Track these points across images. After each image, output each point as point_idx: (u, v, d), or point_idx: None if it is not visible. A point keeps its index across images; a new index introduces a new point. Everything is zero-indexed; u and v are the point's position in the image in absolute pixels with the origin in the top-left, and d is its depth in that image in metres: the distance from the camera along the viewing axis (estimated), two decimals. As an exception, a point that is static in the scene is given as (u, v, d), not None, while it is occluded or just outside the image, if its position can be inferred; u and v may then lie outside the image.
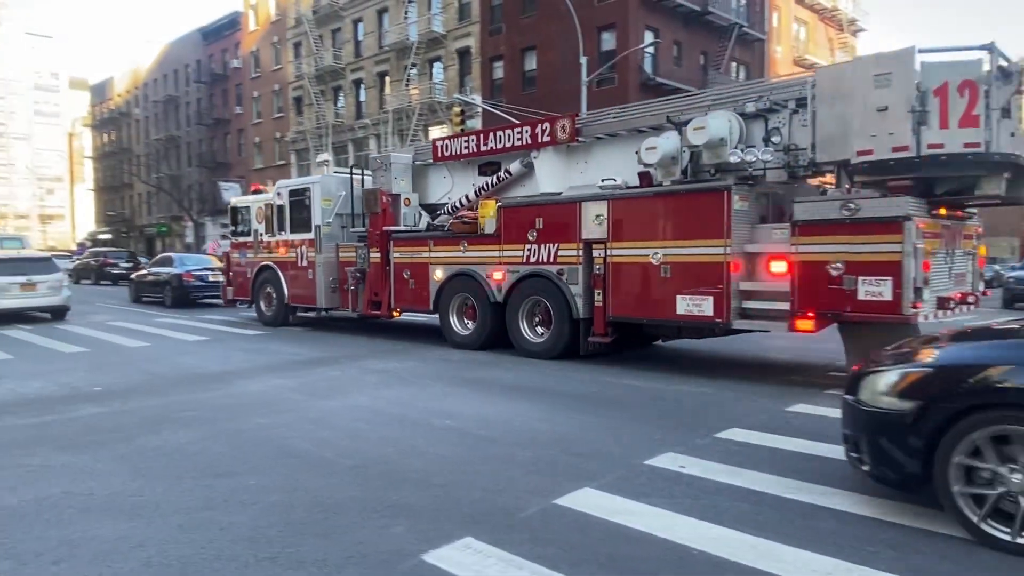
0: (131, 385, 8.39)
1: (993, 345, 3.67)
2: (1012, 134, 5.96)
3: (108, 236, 68.61)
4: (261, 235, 13.94)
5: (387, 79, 38.04)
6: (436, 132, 35.40)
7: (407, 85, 36.53)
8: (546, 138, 9.71)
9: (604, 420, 6.35)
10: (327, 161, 13.94)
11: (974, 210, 6.95)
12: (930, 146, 5.86)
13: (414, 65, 36.26)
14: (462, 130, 22.84)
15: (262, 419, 6.59)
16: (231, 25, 51.12)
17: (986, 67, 5.69)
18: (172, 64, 57.26)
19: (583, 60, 23.47)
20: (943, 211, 6.48)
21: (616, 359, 9.42)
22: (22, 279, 15.09)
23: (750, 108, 7.47)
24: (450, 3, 34.59)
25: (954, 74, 5.76)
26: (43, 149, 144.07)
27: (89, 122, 75.90)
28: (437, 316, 10.63)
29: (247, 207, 14.44)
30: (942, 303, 6.43)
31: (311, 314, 14.75)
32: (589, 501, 4.35)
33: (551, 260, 8.89)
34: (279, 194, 13.49)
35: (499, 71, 32.61)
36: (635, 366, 8.91)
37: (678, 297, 7.55)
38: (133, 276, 21.73)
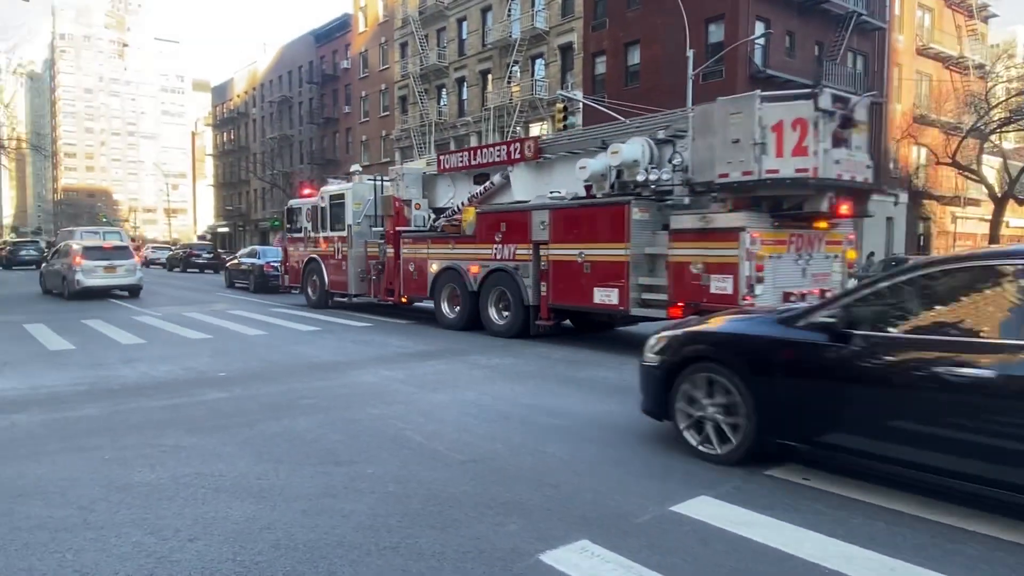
0: (252, 372, 8.82)
1: (729, 320, 4.96)
2: (868, 165, 7.94)
3: (226, 229, 72.92)
4: (309, 232, 16.75)
5: (489, 77, 38.42)
6: (536, 129, 35.44)
7: (509, 82, 36.76)
8: (517, 155, 11.90)
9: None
10: (359, 170, 16.13)
11: (842, 220, 8.49)
12: (768, 171, 7.55)
13: (516, 62, 36.44)
14: (564, 127, 22.75)
15: (374, 409, 6.76)
16: (342, 27, 53.06)
17: (815, 108, 7.33)
18: (286, 66, 60.06)
19: (689, 53, 22.90)
20: (820, 224, 8.20)
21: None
22: (105, 263, 19.39)
23: (660, 135, 9.31)
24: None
25: (788, 113, 7.44)
26: (169, 147, 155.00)
27: (210, 122, 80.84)
28: (432, 302, 12.94)
29: (299, 208, 17.24)
30: (786, 296, 7.83)
31: (344, 299, 17.14)
32: (707, 510, 4.21)
33: (511, 257, 11.01)
34: (322, 198, 16.23)
35: (601, 66, 32.29)
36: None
37: (595, 288, 9.49)
38: (228, 264, 25.07)
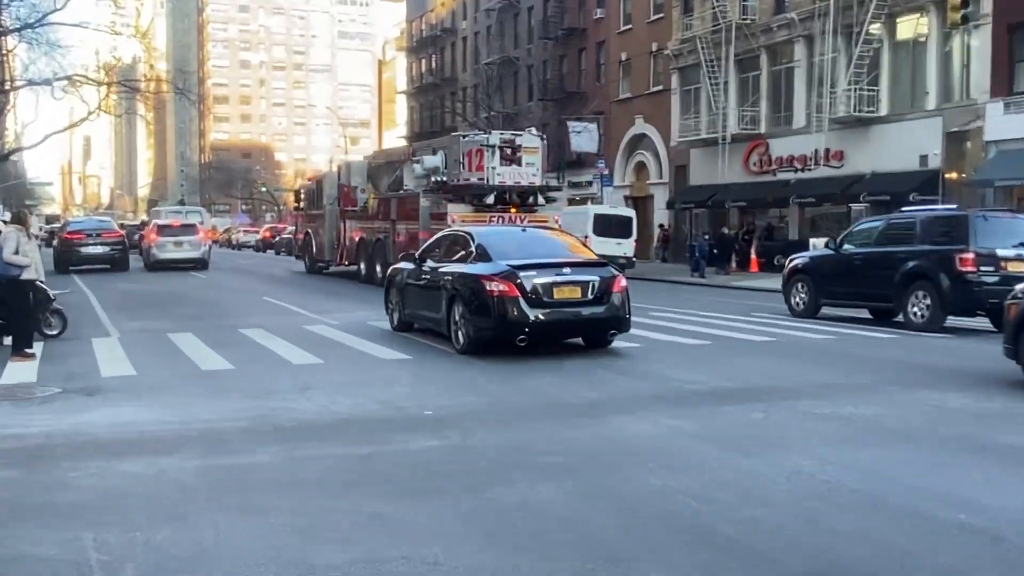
0: (468, 409, 9.32)
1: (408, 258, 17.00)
2: (534, 174, 27.00)
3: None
4: (305, 209, 34.72)
5: (825, -53, 37.13)
6: (907, 28, 33.65)
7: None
8: (404, 157, 29.75)
9: None
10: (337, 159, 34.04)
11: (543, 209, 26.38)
12: (463, 179, 26.10)
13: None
14: (962, 19, 21.50)
15: (655, 478, 6.75)
16: None
17: (489, 141, 26.58)
18: (509, -46, 62.77)
19: None
20: (512, 209, 25.44)
21: None
22: (173, 239, 37.52)
23: (440, 153, 27.56)
24: None
25: (472, 145, 26.57)
26: (347, 85, 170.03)
27: (403, 45, 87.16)
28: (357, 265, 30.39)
29: (300, 189, 36.26)
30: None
31: (324, 265, 34.32)
32: None
33: (384, 229, 28.24)
34: (311, 182, 34.01)
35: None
36: None
37: (402, 254, 20.00)
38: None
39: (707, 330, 16.63)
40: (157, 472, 7.07)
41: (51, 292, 15.58)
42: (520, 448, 7.72)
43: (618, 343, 14.14)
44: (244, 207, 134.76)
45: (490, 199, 25.42)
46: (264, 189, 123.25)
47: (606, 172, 48.41)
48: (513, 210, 25.27)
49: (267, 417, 8.97)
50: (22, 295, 13.29)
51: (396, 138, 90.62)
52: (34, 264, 13.38)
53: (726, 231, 39.67)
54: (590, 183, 51.88)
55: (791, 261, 20.50)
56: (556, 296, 13.19)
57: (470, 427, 8.50)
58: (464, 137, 27.63)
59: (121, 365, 12.46)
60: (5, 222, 19.87)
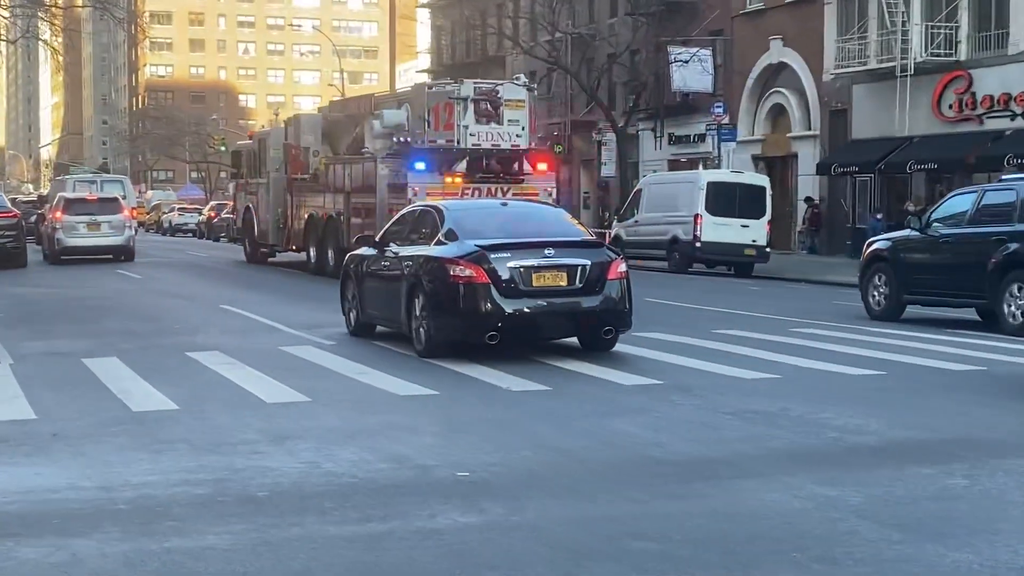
0: (520, 468, 9.35)
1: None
2: (518, 134, 29.84)
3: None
4: (245, 178, 39.91)
5: None
6: None
7: None
8: (366, 109, 34.58)
9: None
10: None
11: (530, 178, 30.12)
12: (429, 140, 29.64)
13: None
14: None
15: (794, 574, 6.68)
16: None
17: (460, 93, 29.63)
18: None
19: None
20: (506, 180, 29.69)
21: None
22: (87, 219, 40.81)
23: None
24: None
25: (439, 98, 30.16)
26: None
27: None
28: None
29: (239, 151, 40.01)
30: None
31: (269, 251, 38.62)
32: None
33: (336, 204, 32.75)
34: (252, 141, 39.36)
35: None
36: None
37: (357, 236, 26.02)
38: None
39: (879, 354, 16.56)
40: (69, 560, 7.08)
41: None
42: (596, 528, 7.64)
43: (740, 372, 14.30)
44: (195, 174, 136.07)
45: (461, 166, 28.70)
46: (224, 148, 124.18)
47: (725, 121, 48.23)
48: (504, 180, 29.21)
49: (228, 481, 9.00)
50: None
51: (415, 72, 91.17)
52: None
53: (911, 208, 38.89)
54: (701, 137, 51.90)
55: (869, 245, 22.35)
56: (536, 283, 14.91)
57: (522, 495, 8.47)
58: (431, 88, 31.45)
59: (15, 405, 12.60)
60: None
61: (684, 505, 8.24)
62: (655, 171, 53.48)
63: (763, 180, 39.38)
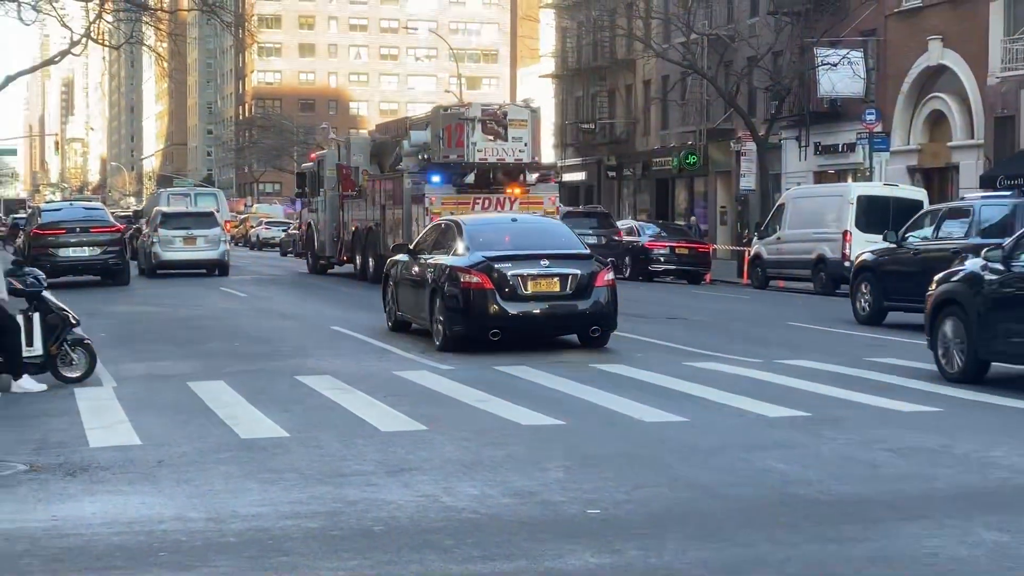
0: (653, 504, 9.30)
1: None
2: (521, 150, 36.58)
3: (580, 176, 78.46)
4: (308, 196, 50.34)
5: None
6: None
7: None
8: (404, 130, 41.36)
9: None
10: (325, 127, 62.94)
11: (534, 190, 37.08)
12: (444, 156, 37.04)
13: None
14: None
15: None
16: None
17: (469, 114, 36.99)
18: None
19: None
20: (510, 190, 36.02)
21: None
22: (184, 233, 44.25)
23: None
24: None
25: (451, 120, 37.43)
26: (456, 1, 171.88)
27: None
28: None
29: (302, 172, 52.23)
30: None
31: (327, 263, 46.49)
32: None
33: (375, 217, 40.36)
34: (312, 163, 50.69)
35: None
36: None
37: (394, 244, 35.68)
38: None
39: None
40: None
41: (70, 313, 16.24)
42: (740, 573, 7.60)
43: (896, 403, 14.35)
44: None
45: (470, 178, 35.32)
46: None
47: (878, 129, 47.73)
48: (510, 190, 35.43)
49: (341, 514, 9.05)
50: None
51: (538, 77, 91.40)
52: None
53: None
54: (851, 147, 51.42)
55: (859, 257, 26.69)
56: (531, 289, 19.61)
57: (658, 535, 8.41)
58: (445, 111, 38.84)
59: (119, 430, 12.85)
60: None
61: (837, 549, 8.12)
62: (799, 184, 52.90)
63: (920, 193, 38.77)
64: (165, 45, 63.64)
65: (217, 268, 44.09)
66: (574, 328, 20.65)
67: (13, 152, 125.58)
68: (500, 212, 33.36)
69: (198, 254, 44.09)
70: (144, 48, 72.16)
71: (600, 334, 20.23)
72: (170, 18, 61.12)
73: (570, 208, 52.35)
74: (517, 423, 13.16)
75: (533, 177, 36.32)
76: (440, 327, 20.00)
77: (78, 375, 16.01)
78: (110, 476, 10.46)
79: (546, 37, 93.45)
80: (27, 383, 15.32)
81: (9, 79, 50.68)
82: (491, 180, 35.33)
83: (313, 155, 52.06)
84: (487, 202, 34.36)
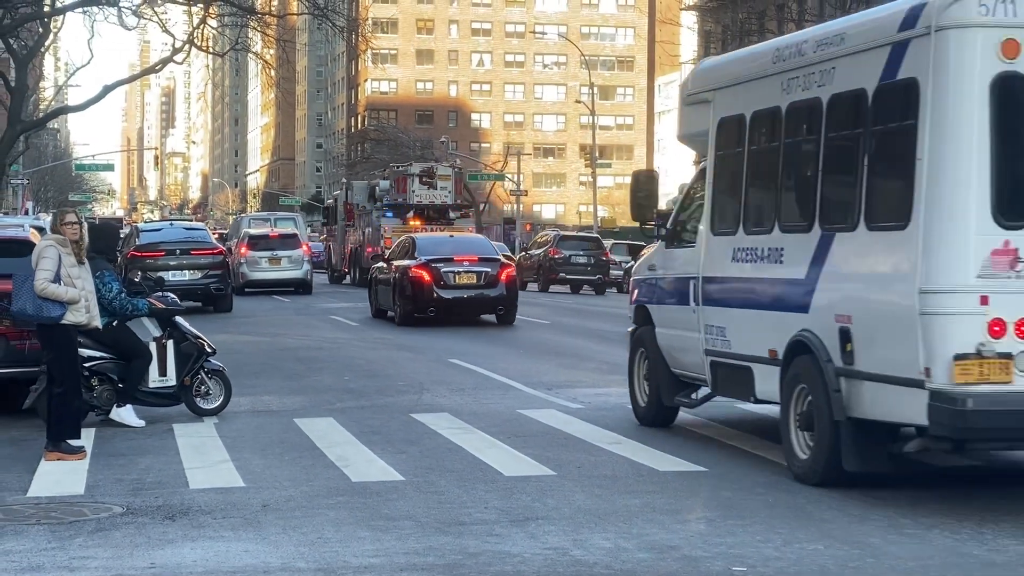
0: (805, 564, 9.13)
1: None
2: (446, 196, 67.31)
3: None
4: (328, 226, 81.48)
5: None
6: None
7: None
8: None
9: None
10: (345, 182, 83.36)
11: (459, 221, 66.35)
12: (393, 199, 66.06)
13: None
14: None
15: None
16: None
17: (410, 171, 68.94)
18: None
19: None
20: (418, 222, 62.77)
21: None
22: (269, 254, 52.99)
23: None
24: None
25: (398, 174, 68.22)
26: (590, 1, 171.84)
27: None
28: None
29: (326, 208, 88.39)
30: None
31: (339, 275, 70.92)
32: None
33: (358, 240, 67.09)
34: (332, 201, 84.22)
35: None
36: None
37: (371, 254, 61.52)
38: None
39: None
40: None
41: (205, 340, 16.53)
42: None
43: None
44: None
45: (410, 214, 57.19)
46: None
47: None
48: (438, 223, 56.52)
49: (461, 566, 9.03)
50: (63, 349, 13.90)
51: (677, 87, 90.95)
52: (84, 299, 13.97)
53: None
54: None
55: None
56: (458, 282, 33.27)
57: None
58: (397, 168, 64.30)
59: (221, 470, 13.01)
60: (40, 230, 20.70)
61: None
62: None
63: None
64: (273, 52, 64.15)
65: (300, 287, 52.83)
66: (487, 309, 34.69)
67: (110, 167, 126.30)
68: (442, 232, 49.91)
69: (282, 274, 52.48)
70: (250, 55, 72.79)
71: (504, 312, 34.29)
72: (278, 23, 61.70)
73: (565, 232, 79.19)
74: (655, 469, 13.04)
75: (455, 214, 60.03)
76: (398, 308, 33.91)
77: (214, 407, 16.51)
78: (211, 520, 10.55)
79: (687, 42, 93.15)
80: (127, 415, 15.53)
81: (107, 89, 51.33)
82: (425, 216, 58.03)
83: (336, 195, 78.96)
84: (426, 230, 51.31)
